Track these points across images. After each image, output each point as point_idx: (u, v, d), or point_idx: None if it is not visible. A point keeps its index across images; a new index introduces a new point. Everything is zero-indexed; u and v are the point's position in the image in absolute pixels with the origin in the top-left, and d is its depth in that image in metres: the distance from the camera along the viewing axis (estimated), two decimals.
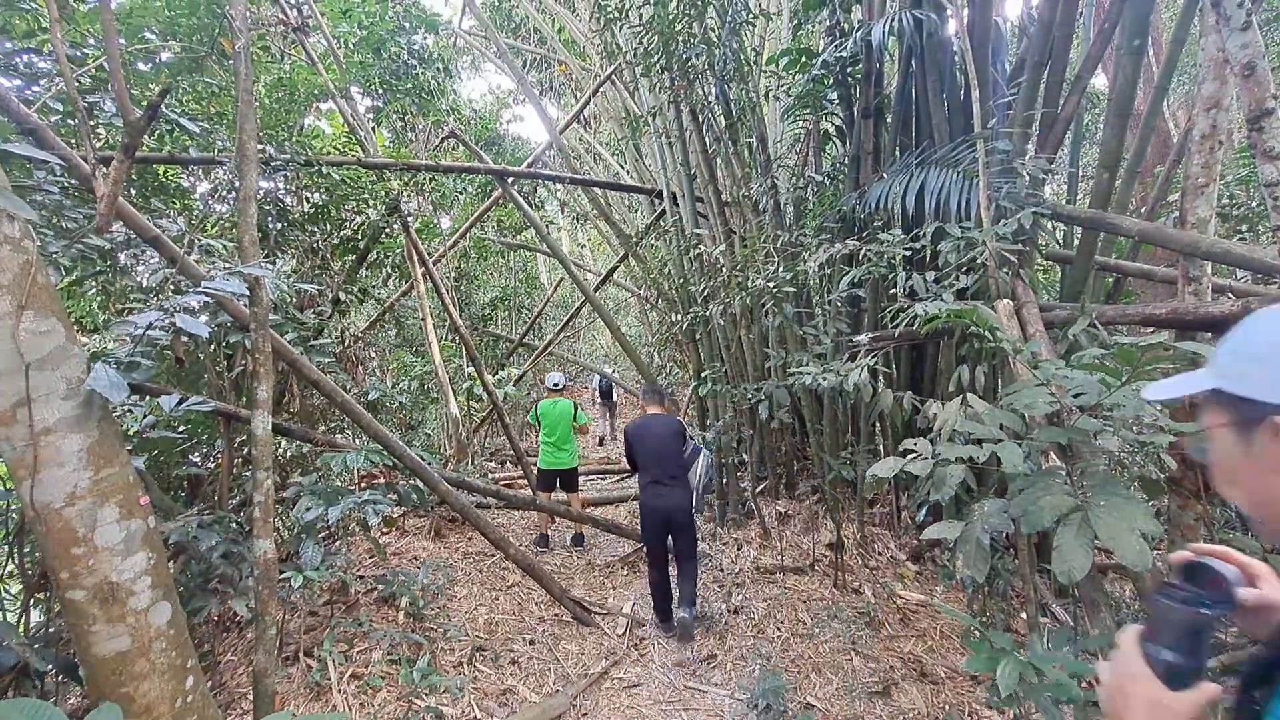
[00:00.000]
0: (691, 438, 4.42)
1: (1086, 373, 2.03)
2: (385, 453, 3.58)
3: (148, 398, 3.08)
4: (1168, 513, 2.92)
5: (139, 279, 3.77)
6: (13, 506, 2.64)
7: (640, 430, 4.26)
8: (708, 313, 5.38)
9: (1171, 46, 3.65)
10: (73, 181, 3.10)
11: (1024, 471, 2.03)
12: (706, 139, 5.79)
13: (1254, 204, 5.22)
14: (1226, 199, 5.18)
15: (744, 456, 5.86)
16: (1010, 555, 3.60)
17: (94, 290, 4.20)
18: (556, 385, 5.92)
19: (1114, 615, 2.49)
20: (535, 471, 5.94)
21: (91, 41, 3.71)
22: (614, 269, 8.89)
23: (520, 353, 10.51)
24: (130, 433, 3.04)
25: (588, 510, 6.04)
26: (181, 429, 3.63)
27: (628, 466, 4.49)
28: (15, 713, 1.00)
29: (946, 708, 3.08)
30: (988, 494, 3.10)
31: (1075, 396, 2.11)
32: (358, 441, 4.32)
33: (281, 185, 4.82)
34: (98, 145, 3.73)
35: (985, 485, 3.60)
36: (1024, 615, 3.37)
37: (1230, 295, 3.26)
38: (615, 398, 11.64)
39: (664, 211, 6.78)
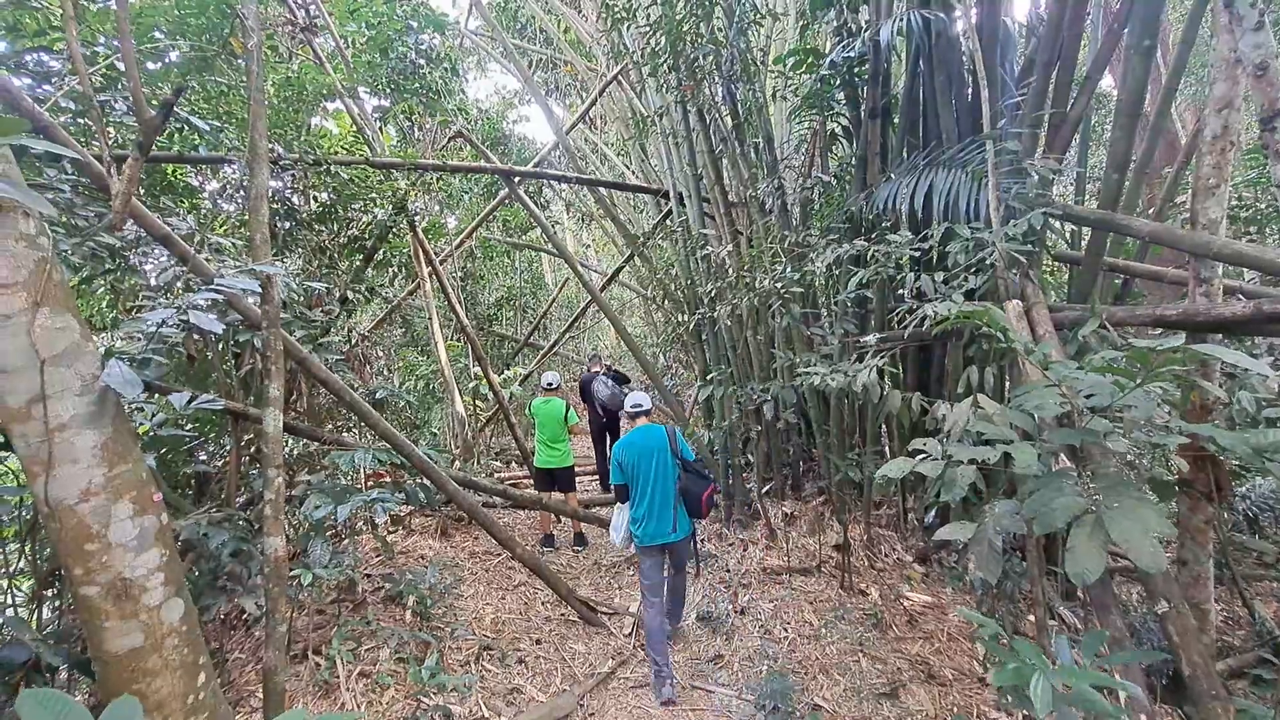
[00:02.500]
0: (622, 390, 6.62)
1: (1100, 374, 2.02)
2: (393, 451, 3.58)
3: (157, 395, 3.10)
4: (1177, 515, 2.92)
5: (148, 277, 3.79)
6: (25, 504, 2.65)
7: (589, 380, 6.88)
8: (714, 313, 5.37)
9: (1180, 47, 3.63)
10: (83, 180, 3.11)
11: (1036, 473, 2.02)
12: (713, 139, 5.78)
13: (1262, 205, 5.20)
14: (1235, 200, 5.15)
15: (750, 457, 5.85)
16: (1018, 557, 3.59)
17: (103, 289, 4.22)
18: (549, 385, 6.00)
19: (1123, 617, 2.48)
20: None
21: (101, 40, 3.73)
22: (620, 269, 8.88)
23: (526, 353, 10.52)
24: (141, 431, 3.06)
25: (593, 511, 6.03)
26: (189, 427, 3.64)
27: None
28: (37, 704, 1.00)
29: (954, 709, 3.07)
30: (996, 496, 3.09)
31: (1087, 398, 2.10)
32: (364, 440, 4.33)
33: (289, 184, 4.84)
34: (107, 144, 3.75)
35: (994, 487, 3.60)
36: (1032, 618, 3.36)
37: (1241, 297, 3.25)
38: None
39: (670, 212, 6.76)
